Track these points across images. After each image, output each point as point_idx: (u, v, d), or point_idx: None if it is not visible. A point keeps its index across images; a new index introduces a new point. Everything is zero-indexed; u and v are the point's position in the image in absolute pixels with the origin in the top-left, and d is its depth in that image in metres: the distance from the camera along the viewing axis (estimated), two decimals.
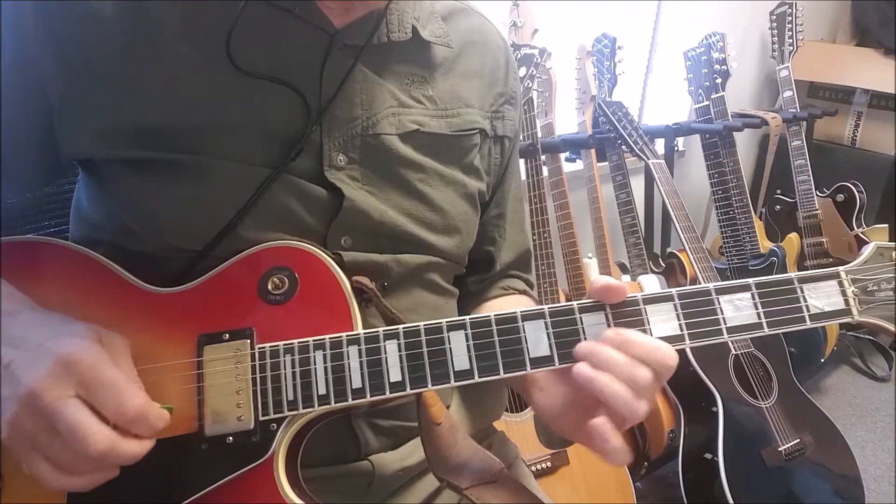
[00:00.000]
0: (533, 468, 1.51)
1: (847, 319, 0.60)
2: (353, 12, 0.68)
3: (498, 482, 0.68)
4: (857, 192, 2.50)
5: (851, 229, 2.50)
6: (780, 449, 1.62)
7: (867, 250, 0.62)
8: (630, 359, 0.56)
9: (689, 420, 1.73)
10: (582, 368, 0.56)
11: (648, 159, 1.86)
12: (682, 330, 0.58)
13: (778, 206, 2.66)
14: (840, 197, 2.54)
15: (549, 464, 1.53)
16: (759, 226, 2.42)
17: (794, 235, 2.51)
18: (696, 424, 1.71)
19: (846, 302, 0.59)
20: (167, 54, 0.63)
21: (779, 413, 1.68)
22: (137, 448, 0.52)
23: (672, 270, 2.20)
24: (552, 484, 1.53)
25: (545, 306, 0.59)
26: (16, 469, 0.57)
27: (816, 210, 2.50)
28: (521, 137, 1.71)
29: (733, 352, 1.73)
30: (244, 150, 0.64)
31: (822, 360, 2.37)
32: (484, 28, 0.83)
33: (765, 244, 2.36)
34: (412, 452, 0.76)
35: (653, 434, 1.81)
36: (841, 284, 0.60)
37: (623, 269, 2.06)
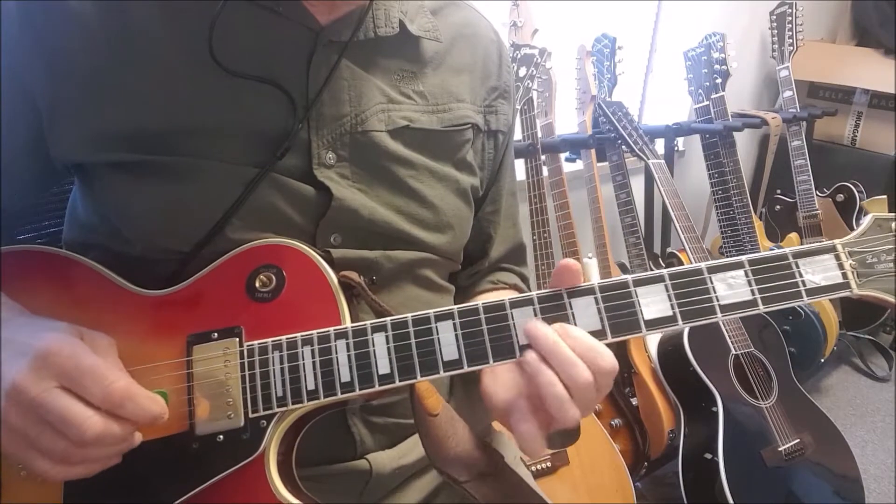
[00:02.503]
0: (533, 468, 1.51)
1: (846, 293, 0.58)
2: (337, 9, 0.68)
3: (497, 475, 0.67)
4: (857, 192, 2.50)
5: (851, 229, 2.49)
6: (780, 449, 1.61)
7: (865, 222, 0.60)
8: (575, 358, 0.54)
9: (689, 420, 1.73)
10: (531, 356, 0.56)
11: (648, 159, 1.86)
12: (673, 310, 0.57)
13: (778, 206, 2.66)
14: (840, 197, 2.54)
15: (548, 464, 1.53)
16: (759, 226, 2.42)
17: (794, 235, 2.51)
18: (696, 424, 1.71)
19: (844, 275, 0.58)
20: (150, 56, 0.62)
21: (779, 413, 1.68)
22: (130, 429, 0.53)
23: None
24: (552, 484, 1.53)
25: (534, 293, 0.59)
26: (12, 471, 0.57)
27: (816, 210, 2.50)
28: (521, 137, 1.72)
29: (733, 352, 1.73)
30: (231, 150, 0.64)
31: (822, 360, 2.36)
32: (475, 22, 0.82)
33: (765, 244, 2.36)
34: (409, 450, 0.76)
35: (653, 434, 1.81)
36: (838, 258, 0.58)
37: (623, 269, 2.05)
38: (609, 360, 0.55)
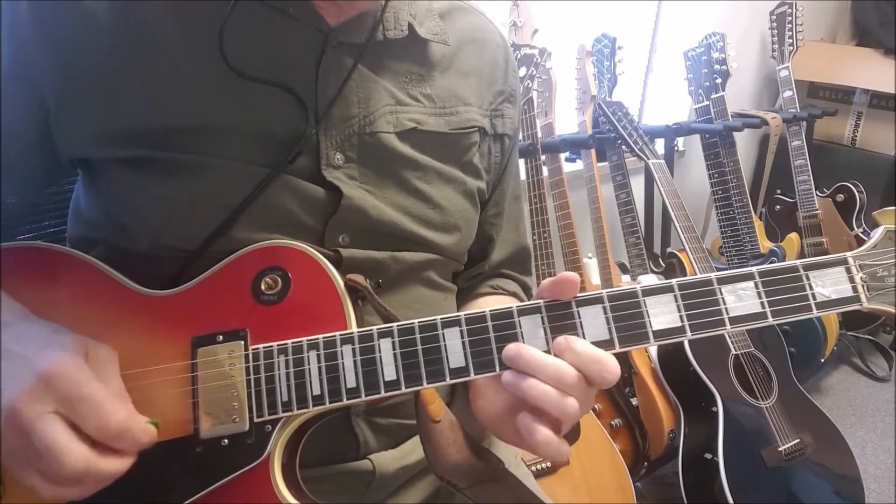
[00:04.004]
0: (533, 468, 1.50)
1: (856, 307, 0.57)
2: (346, 11, 0.68)
3: (497, 480, 0.67)
4: (857, 192, 2.50)
5: (851, 229, 2.51)
6: (780, 449, 1.61)
7: (877, 234, 0.58)
8: (554, 360, 0.54)
9: (689, 420, 1.73)
10: (507, 376, 0.56)
11: (648, 159, 1.85)
12: (682, 321, 0.56)
13: (778, 206, 2.66)
14: (840, 197, 2.54)
15: (549, 464, 1.53)
16: (759, 226, 2.42)
17: (794, 235, 2.51)
18: (696, 424, 1.71)
19: (854, 289, 0.57)
20: (161, 55, 0.63)
21: (779, 413, 1.67)
22: (116, 465, 0.52)
23: (672, 270, 2.20)
24: (552, 484, 1.53)
25: (541, 301, 0.58)
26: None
27: (816, 210, 2.50)
28: (520, 137, 1.72)
29: (733, 352, 1.73)
30: (240, 150, 0.64)
31: (822, 360, 2.36)
32: (482, 26, 0.83)
33: (765, 244, 2.36)
34: (412, 451, 0.76)
35: (653, 434, 1.81)
36: (848, 271, 0.57)
37: (623, 269, 2.05)
38: (613, 371, 0.54)
